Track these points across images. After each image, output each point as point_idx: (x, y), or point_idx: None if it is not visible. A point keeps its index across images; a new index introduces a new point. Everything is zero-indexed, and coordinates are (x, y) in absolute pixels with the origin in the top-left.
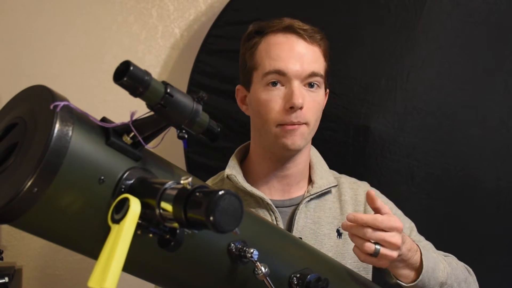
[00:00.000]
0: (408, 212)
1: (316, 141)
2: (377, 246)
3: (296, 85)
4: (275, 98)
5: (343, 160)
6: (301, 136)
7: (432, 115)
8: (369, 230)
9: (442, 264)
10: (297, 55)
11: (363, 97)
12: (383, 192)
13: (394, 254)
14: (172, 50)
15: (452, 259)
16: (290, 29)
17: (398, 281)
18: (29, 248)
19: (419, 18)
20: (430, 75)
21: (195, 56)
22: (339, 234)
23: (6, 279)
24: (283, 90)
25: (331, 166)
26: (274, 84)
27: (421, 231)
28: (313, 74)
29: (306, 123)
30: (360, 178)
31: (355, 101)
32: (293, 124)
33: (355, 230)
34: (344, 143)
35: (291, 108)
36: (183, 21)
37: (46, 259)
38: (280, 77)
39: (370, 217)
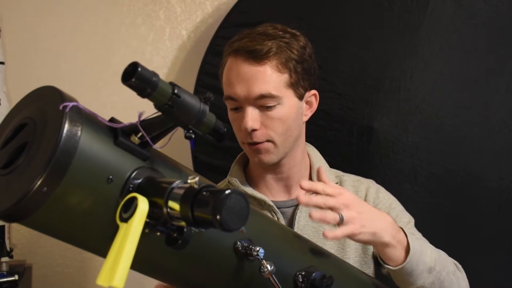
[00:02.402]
0: (411, 211)
1: (320, 141)
2: (339, 214)
3: (248, 109)
4: (236, 120)
5: (347, 160)
6: (266, 152)
7: (435, 115)
8: (329, 198)
9: (429, 250)
10: (243, 80)
11: (367, 97)
12: None
13: (354, 213)
14: (179, 52)
15: (442, 252)
16: (237, 52)
17: (387, 266)
18: (38, 246)
19: (422, 20)
20: (433, 76)
21: (202, 57)
22: None
23: (16, 277)
24: (241, 114)
25: (335, 166)
26: (234, 108)
27: (424, 230)
28: (262, 96)
29: (270, 141)
30: (364, 177)
31: (359, 101)
32: (255, 143)
33: (314, 200)
34: (348, 143)
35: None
36: (190, 23)
37: (55, 257)
38: (235, 102)
39: (321, 185)
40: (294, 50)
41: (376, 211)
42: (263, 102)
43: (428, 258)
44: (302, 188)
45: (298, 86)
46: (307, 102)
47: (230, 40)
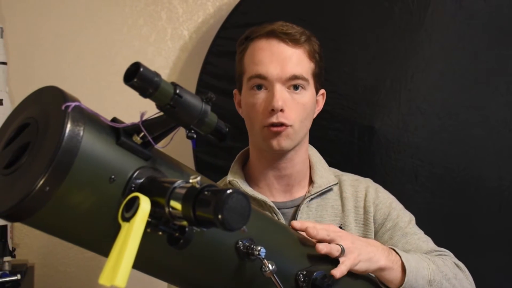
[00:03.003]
0: (412, 210)
1: (322, 141)
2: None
3: (278, 88)
4: (259, 101)
5: (348, 160)
6: (286, 137)
7: (435, 115)
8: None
9: (425, 262)
10: (277, 59)
11: (368, 98)
12: (387, 191)
13: (349, 243)
14: (181, 52)
15: (440, 256)
16: (272, 34)
17: None
18: (41, 245)
19: (423, 20)
20: (434, 76)
21: (203, 57)
22: None
23: (19, 276)
24: (266, 93)
25: (337, 166)
26: (258, 87)
27: (424, 229)
28: (295, 77)
29: (289, 126)
30: (365, 177)
31: (360, 101)
32: (276, 125)
33: (321, 234)
34: (350, 143)
35: (273, 110)
36: (192, 24)
37: (58, 257)
38: (263, 81)
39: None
40: (316, 45)
41: (363, 239)
42: (294, 82)
43: (426, 271)
44: (294, 227)
45: (318, 79)
46: (316, 101)
47: (250, 31)
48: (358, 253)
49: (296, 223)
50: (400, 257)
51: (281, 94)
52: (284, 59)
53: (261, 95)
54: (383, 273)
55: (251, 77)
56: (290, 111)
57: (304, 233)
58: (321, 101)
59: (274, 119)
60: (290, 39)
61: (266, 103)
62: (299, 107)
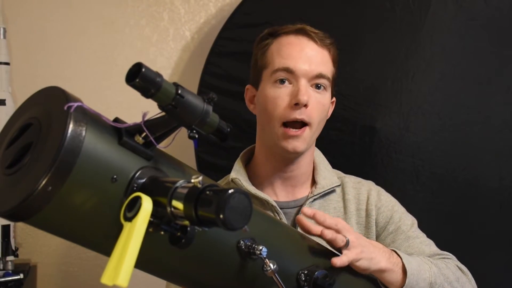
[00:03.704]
0: (412, 210)
1: (323, 141)
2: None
3: (303, 83)
4: (282, 95)
5: (349, 160)
6: (303, 141)
7: (436, 115)
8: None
9: (426, 265)
10: (306, 56)
11: (369, 98)
12: (388, 191)
13: (354, 238)
14: (183, 52)
15: (443, 259)
16: (301, 31)
17: None
18: (43, 245)
19: (423, 21)
20: (435, 76)
21: (205, 58)
22: None
23: (21, 276)
24: (290, 88)
25: (338, 166)
26: (282, 81)
27: (425, 229)
28: (321, 76)
29: (308, 124)
30: (366, 177)
31: (361, 102)
32: (295, 124)
33: (328, 222)
34: (351, 143)
35: (296, 104)
36: (193, 24)
37: (60, 256)
38: (288, 75)
39: (321, 214)
40: (337, 52)
41: (367, 239)
42: (318, 81)
43: (427, 274)
44: (304, 213)
45: (334, 85)
46: None
47: (271, 28)
48: (361, 250)
49: (306, 209)
50: (401, 259)
51: (307, 90)
52: (312, 56)
53: (285, 89)
54: (384, 275)
55: (277, 70)
56: (312, 108)
57: (311, 227)
58: (331, 109)
59: (297, 114)
60: (319, 39)
61: (290, 97)
62: (319, 106)
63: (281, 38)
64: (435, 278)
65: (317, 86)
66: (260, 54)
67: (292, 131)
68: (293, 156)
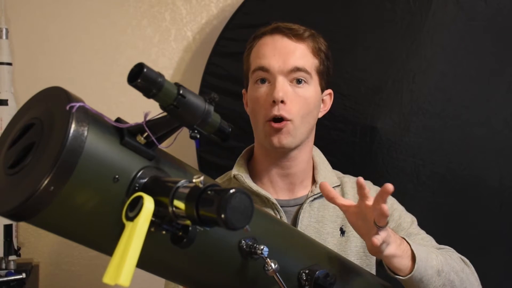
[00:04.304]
0: (413, 210)
1: (324, 141)
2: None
3: (280, 80)
4: (262, 94)
5: (350, 160)
6: (287, 135)
7: (437, 115)
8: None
9: (433, 254)
10: (280, 52)
11: (370, 98)
12: None
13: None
14: (185, 53)
15: (446, 251)
16: (276, 30)
17: (398, 277)
18: (45, 245)
19: (424, 21)
20: (435, 76)
21: (207, 58)
22: (342, 232)
23: (24, 275)
24: (269, 86)
25: (339, 165)
26: (262, 81)
27: (426, 228)
28: (297, 69)
29: (290, 120)
30: (367, 177)
31: (362, 102)
32: (276, 117)
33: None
34: (352, 143)
35: (274, 102)
36: (195, 25)
37: (62, 256)
38: (265, 74)
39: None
40: (322, 44)
41: (393, 233)
42: (296, 75)
43: (435, 261)
44: (361, 183)
45: (323, 77)
46: (323, 100)
47: (257, 31)
48: (388, 234)
49: (361, 179)
50: (410, 246)
51: (283, 86)
52: (286, 53)
53: (264, 88)
54: (394, 260)
55: (254, 70)
56: (291, 104)
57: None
58: (328, 101)
59: (275, 111)
60: (293, 34)
61: (268, 95)
62: (300, 100)
63: (260, 40)
64: (442, 266)
65: (298, 81)
66: (245, 58)
67: (274, 124)
68: (282, 151)
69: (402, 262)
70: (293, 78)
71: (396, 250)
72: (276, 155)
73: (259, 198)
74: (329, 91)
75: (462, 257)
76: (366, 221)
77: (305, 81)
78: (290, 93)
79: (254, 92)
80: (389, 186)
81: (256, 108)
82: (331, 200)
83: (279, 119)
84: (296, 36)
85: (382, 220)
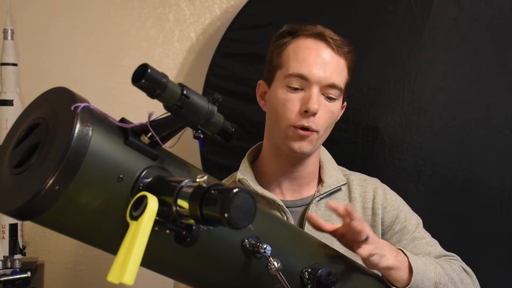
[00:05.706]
0: (414, 209)
1: (327, 141)
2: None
3: (315, 90)
4: (293, 99)
5: (352, 159)
6: (310, 143)
7: (438, 115)
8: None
9: (432, 265)
10: (322, 62)
11: (372, 98)
12: None
13: (371, 234)
14: (188, 54)
15: (448, 260)
16: (320, 36)
17: None
18: (50, 244)
19: (425, 22)
20: (437, 77)
21: (210, 59)
22: None
23: (29, 274)
24: (302, 94)
25: (341, 165)
26: (295, 88)
27: (427, 228)
28: (333, 86)
29: (316, 131)
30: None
31: (364, 102)
32: (305, 128)
33: (357, 214)
34: (354, 143)
35: (306, 112)
36: (199, 26)
37: (67, 255)
38: (302, 81)
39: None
40: (353, 60)
41: (377, 237)
42: (330, 92)
43: (433, 273)
44: (330, 206)
45: (346, 91)
46: None
47: (290, 27)
48: (376, 246)
49: (331, 203)
50: (407, 258)
51: (318, 98)
52: (328, 64)
53: (296, 94)
54: (391, 272)
55: (291, 75)
56: (320, 117)
57: (323, 224)
58: (341, 113)
59: (305, 122)
60: (337, 47)
61: (301, 103)
62: (328, 114)
63: (300, 40)
64: (440, 278)
65: (328, 97)
66: (276, 53)
67: (301, 131)
68: (299, 157)
69: (399, 274)
70: (327, 92)
71: (393, 262)
72: (289, 158)
73: (265, 200)
74: (345, 103)
75: (465, 266)
76: (352, 239)
77: (335, 98)
78: (322, 106)
79: (283, 94)
80: (348, 207)
81: (281, 111)
82: (318, 229)
83: (306, 128)
84: (340, 49)
85: (358, 236)
